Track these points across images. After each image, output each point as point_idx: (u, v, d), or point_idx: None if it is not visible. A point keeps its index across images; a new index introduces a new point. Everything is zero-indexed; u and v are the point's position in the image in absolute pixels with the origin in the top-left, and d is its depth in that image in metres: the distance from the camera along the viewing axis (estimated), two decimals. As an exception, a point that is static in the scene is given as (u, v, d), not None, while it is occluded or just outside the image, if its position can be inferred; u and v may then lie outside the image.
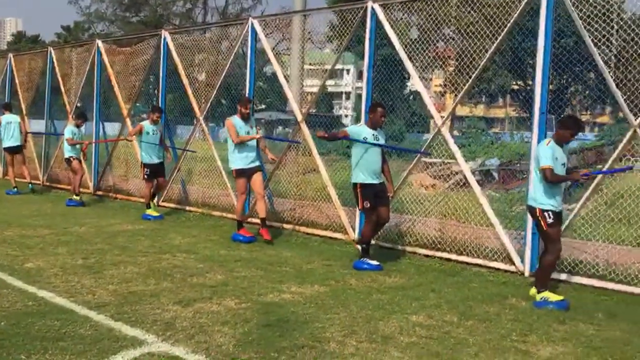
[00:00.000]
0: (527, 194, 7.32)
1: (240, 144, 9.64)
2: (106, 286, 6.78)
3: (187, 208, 12.73)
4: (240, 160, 9.69)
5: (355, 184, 8.25)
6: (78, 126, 13.74)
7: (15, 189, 14.94)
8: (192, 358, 4.81)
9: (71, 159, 13.71)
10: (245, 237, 9.64)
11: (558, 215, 6.71)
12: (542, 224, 6.65)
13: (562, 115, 6.90)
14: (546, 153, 6.60)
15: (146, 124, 11.93)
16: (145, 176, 12.00)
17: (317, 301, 6.48)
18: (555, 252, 6.68)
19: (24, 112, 17.77)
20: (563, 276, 7.61)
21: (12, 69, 18.57)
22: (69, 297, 6.29)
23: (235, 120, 9.72)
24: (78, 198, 13.41)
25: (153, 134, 11.91)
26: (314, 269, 8.02)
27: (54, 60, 16.71)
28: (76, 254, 8.34)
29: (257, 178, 9.83)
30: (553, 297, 6.60)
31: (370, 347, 5.19)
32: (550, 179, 6.54)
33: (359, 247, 8.43)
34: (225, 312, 5.98)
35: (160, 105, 13.14)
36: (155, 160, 12.01)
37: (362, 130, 8.23)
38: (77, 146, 13.60)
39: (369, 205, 8.15)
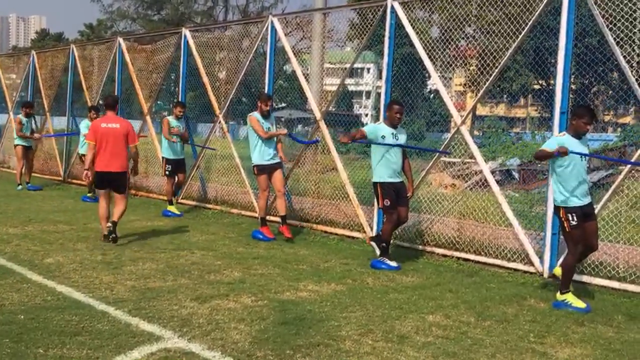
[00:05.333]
0: (546, 195, 7.24)
1: (258, 141, 9.63)
2: (124, 282, 6.83)
3: (206, 205, 12.79)
4: (260, 156, 9.69)
5: (375, 183, 8.21)
6: (92, 120, 13.79)
7: (20, 185, 15.08)
8: (208, 354, 4.82)
9: (82, 158, 13.91)
10: (265, 237, 9.65)
11: (584, 214, 6.59)
12: (566, 225, 6.58)
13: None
14: (550, 141, 6.64)
15: (171, 119, 12.04)
16: (167, 172, 12.08)
17: (333, 300, 6.47)
18: (578, 254, 6.62)
19: (47, 109, 17.96)
20: (583, 278, 7.53)
21: (35, 66, 18.75)
22: (87, 292, 6.35)
23: (258, 116, 9.74)
24: (90, 195, 13.53)
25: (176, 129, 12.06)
26: (331, 268, 8.02)
27: (76, 57, 16.86)
28: (95, 250, 8.41)
29: (277, 175, 9.83)
30: (575, 302, 6.51)
31: (386, 346, 5.17)
32: (535, 156, 6.70)
33: (373, 243, 8.38)
34: (242, 310, 5.99)
35: (180, 102, 13.23)
36: (177, 157, 12.09)
37: (380, 129, 8.19)
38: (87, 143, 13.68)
39: (389, 203, 8.11)
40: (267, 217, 9.98)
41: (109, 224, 8.90)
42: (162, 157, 12.20)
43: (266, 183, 9.78)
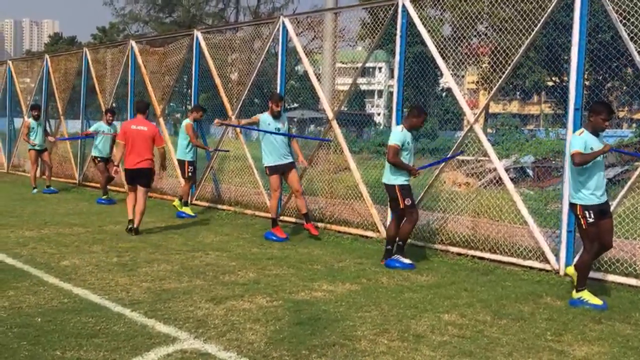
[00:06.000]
0: (561, 192, 7.18)
1: (269, 141, 9.64)
2: (140, 284, 6.86)
3: (220, 206, 12.82)
4: (271, 156, 9.71)
5: (393, 185, 8.18)
6: (109, 122, 14.05)
7: (35, 189, 15.20)
8: (224, 355, 4.83)
9: (95, 160, 14.13)
10: (278, 238, 9.65)
11: (600, 211, 6.53)
12: (582, 222, 6.52)
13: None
14: (577, 141, 6.46)
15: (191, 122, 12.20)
16: (190, 174, 12.18)
17: (348, 299, 6.47)
18: (593, 252, 6.57)
19: (61, 112, 18.08)
20: (600, 275, 7.47)
21: (49, 70, 18.86)
22: (103, 295, 6.38)
23: (264, 116, 9.75)
24: (105, 197, 13.66)
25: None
26: (346, 267, 8.01)
27: (89, 61, 16.96)
28: (111, 252, 8.45)
29: (292, 175, 9.84)
30: (592, 299, 6.47)
31: (402, 345, 5.16)
32: (577, 162, 6.36)
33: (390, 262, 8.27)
34: (257, 310, 6.00)
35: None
36: (195, 158, 12.28)
37: (405, 136, 8.17)
38: (100, 146, 13.93)
39: (410, 202, 8.13)
40: (284, 217, 9.97)
41: (130, 226, 9.85)
42: (184, 160, 12.22)
43: (277, 183, 9.77)
